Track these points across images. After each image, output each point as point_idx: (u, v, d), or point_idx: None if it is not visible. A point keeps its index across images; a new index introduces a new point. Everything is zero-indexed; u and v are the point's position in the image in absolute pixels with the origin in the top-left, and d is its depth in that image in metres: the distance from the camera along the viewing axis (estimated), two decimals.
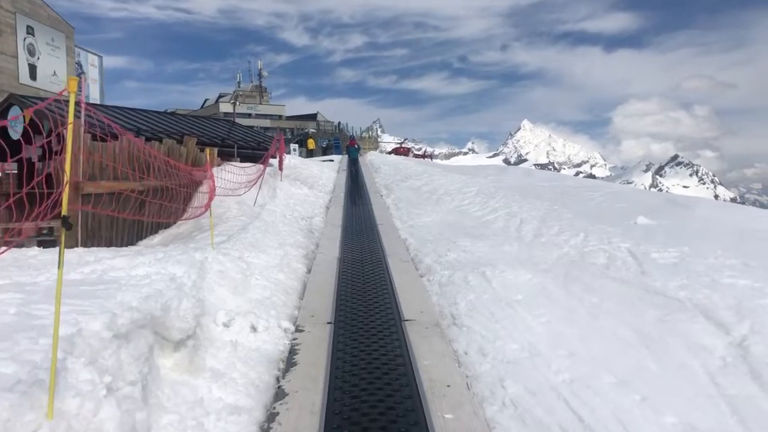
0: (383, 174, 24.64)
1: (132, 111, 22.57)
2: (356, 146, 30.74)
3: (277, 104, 73.94)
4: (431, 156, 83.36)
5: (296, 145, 44.70)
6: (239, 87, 73.35)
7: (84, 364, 2.99)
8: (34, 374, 2.79)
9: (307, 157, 37.14)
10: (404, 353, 5.20)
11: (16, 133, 13.01)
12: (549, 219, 12.04)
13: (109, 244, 8.77)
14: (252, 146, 22.53)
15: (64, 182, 3.04)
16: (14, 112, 16.26)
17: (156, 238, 9.59)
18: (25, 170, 8.37)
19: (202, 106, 72.21)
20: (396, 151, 56.79)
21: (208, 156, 7.89)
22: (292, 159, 23.82)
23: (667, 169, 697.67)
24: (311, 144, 45.82)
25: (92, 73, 36.92)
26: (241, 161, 18.15)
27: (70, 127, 2.97)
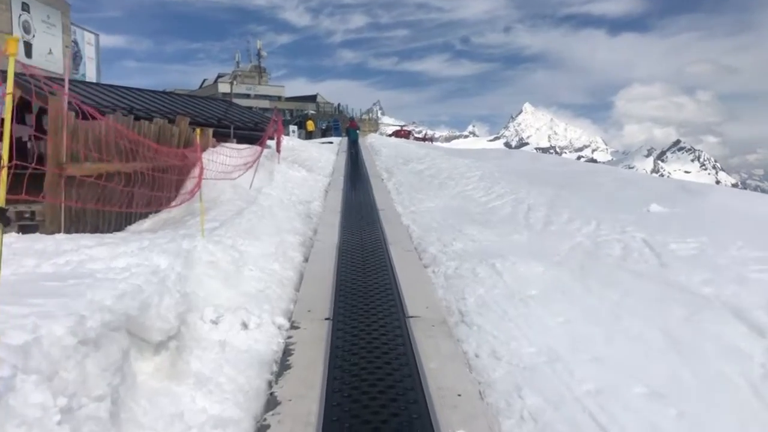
0: (384, 157, 24.11)
1: (126, 89, 21.92)
2: (356, 128, 30.42)
3: (277, 85, 73.09)
4: (431, 139, 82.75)
5: (295, 127, 44.04)
6: (238, 67, 72.48)
7: (36, 382, 2.52)
8: None
9: (306, 138, 36.55)
10: (409, 355, 4.75)
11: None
12: (557, 206, 11.56)
13: (95, 229, 8.28)
14: (249, 127, 21.89)
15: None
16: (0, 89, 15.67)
17: (146, 223, 9.11)
18: (14, 150, 7.85)
19: (200, 87, 71.38)
20: (397, 134, 56.23)
21: (198, 136, 7.33)
22: (291, 141, 23.29)
23: (668, 154, 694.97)
24: (310, 126, 45.17)
25: (89, 52, 36.18)
26: (237, 143, 17.60)
27: (8, 98, 2.47)
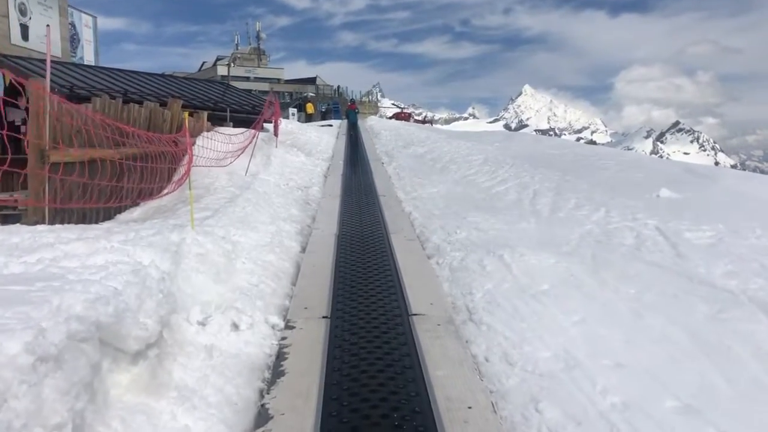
0: (384, 140, 23.63)
1: (120, 72, 21.46)
2: (356, 110, 30.17)
3: (276, 67, 72.33)
4: (431, 121, 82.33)
5: (295, 110, 43.48)
6: (237, 49, 71.74)
7: None
8: None
9: (305, 121, 36.05)
10: (413, 357, 4.37)
11: None
12: (564, 191, 11.16)
13: (82, 219, 7.88)
14: (247, 110, 21.45)
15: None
16: None
17: (136, 212, 8.69)
18: (5, 134, 7.39)
19: (199, 69, 70.66)
20: (397, 116, 55.82)
21: (186, 120, 6.88)
22: (289, 124, 22.79)
23: (668, 135, 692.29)
24: (310, 108, 44.60)
25: (86, 34, 35.57)
26: (234, 126, 17.14)
27: None
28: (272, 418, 3.54)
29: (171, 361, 3.82)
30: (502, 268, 6.13)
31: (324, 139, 22.33)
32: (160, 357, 3.73)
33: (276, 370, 4.19)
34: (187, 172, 7.13)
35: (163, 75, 25.63)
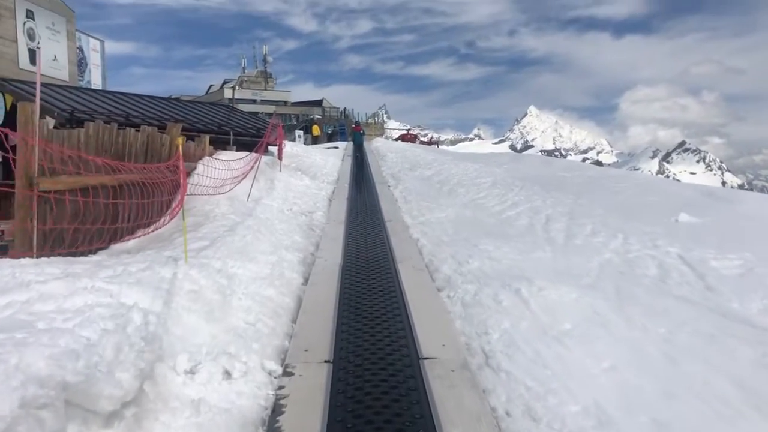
0: (390, 162, 23.30)
1: (123, 95, 21.22)
2: (361, 131, 30.06)
3: (283, 90, 72.74)
4: (437, 143, 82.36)
5: (301, 132, 43.36)
6: (244, 73, 72.19)
7: None
8: None
9: (312, 143, 35.92)
10: (424, 407, 3.91)
11: None
12: (578, 215, 10.73)
13: (74, 247, 7.46)
14: (251, 133, 21.10)
15: None
16: None
17: (131, 241, 8.28)
18: (11, 159, 7.03)
19: (207, 92, 71.05)
20: (402, 138, 55.78)
21: (180, 145, 6.50)
22: (294, 147, 22.49)
23: (674, 155, 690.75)
24: (316, 130, 44.58)
25: (94, 58, 35.71)
26: (238, 149, 16.80)
27: None
28: None
29: (152, 421, 3.37)
30: (520, 304, 5.67)
31: (329, 161, 22.01)
32: (138, 416, 3.29)
33: (271, 426, 3.73)
34: (181, 203, 6.73)
35: (167, 98, 25.45)
